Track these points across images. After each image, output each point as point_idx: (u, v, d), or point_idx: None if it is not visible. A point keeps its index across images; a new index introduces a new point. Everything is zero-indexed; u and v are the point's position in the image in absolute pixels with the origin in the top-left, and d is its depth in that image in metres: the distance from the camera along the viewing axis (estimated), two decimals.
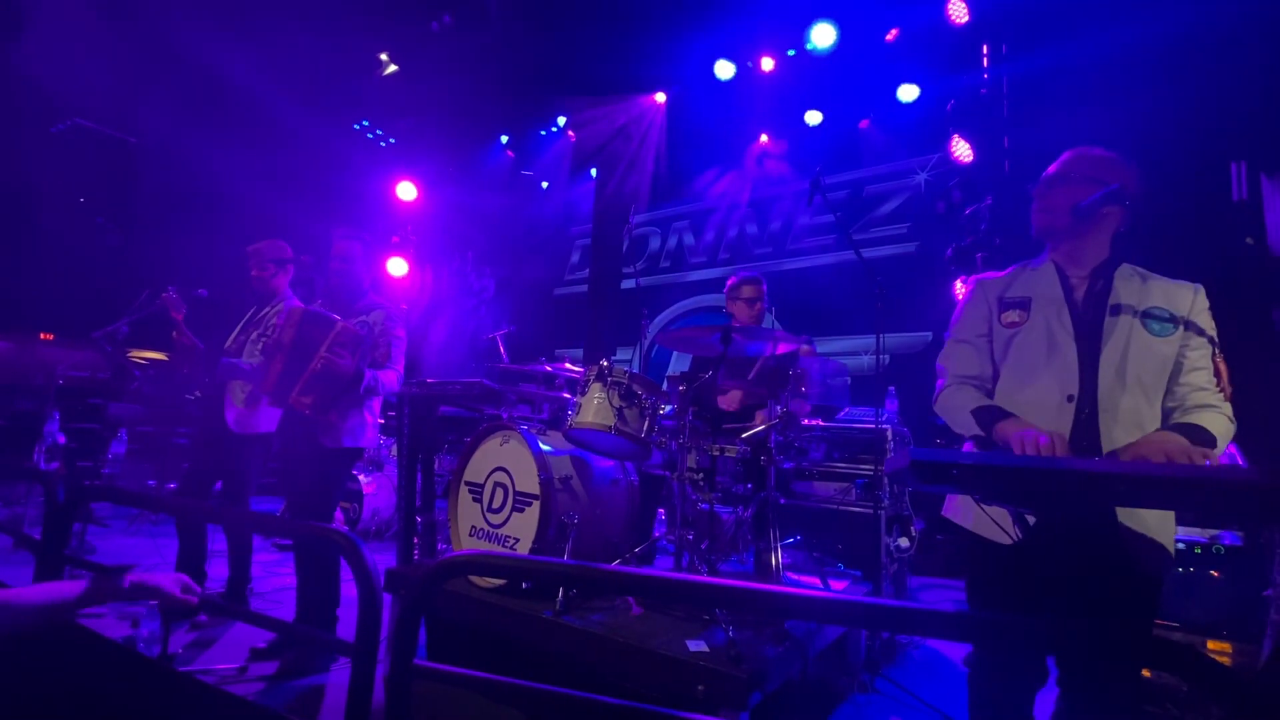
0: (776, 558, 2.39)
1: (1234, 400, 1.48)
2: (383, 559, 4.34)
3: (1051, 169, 1.63)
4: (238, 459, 3.14)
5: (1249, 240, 1.40)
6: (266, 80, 6.72)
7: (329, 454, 2.78)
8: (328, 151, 7.74)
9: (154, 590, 1.31)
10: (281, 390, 2.69)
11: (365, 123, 7.93)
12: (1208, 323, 1.49)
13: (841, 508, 3.34)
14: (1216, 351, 1.48)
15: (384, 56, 6.96)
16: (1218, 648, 2.37)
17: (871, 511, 3.23)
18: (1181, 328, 1.47)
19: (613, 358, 7.65)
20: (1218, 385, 1.46)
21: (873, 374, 2.95)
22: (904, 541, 3.35)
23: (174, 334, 3.10)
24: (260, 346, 3.12)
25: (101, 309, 5.73)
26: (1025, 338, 1.55)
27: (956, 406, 1.58)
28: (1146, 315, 1.47)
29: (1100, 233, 1.56)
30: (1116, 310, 1.49)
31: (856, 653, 2.95)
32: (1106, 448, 1.42)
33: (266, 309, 3.29)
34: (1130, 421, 1.44)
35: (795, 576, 3.02)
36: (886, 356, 2.97)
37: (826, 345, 5.84)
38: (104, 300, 6.27)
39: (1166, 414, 1.48)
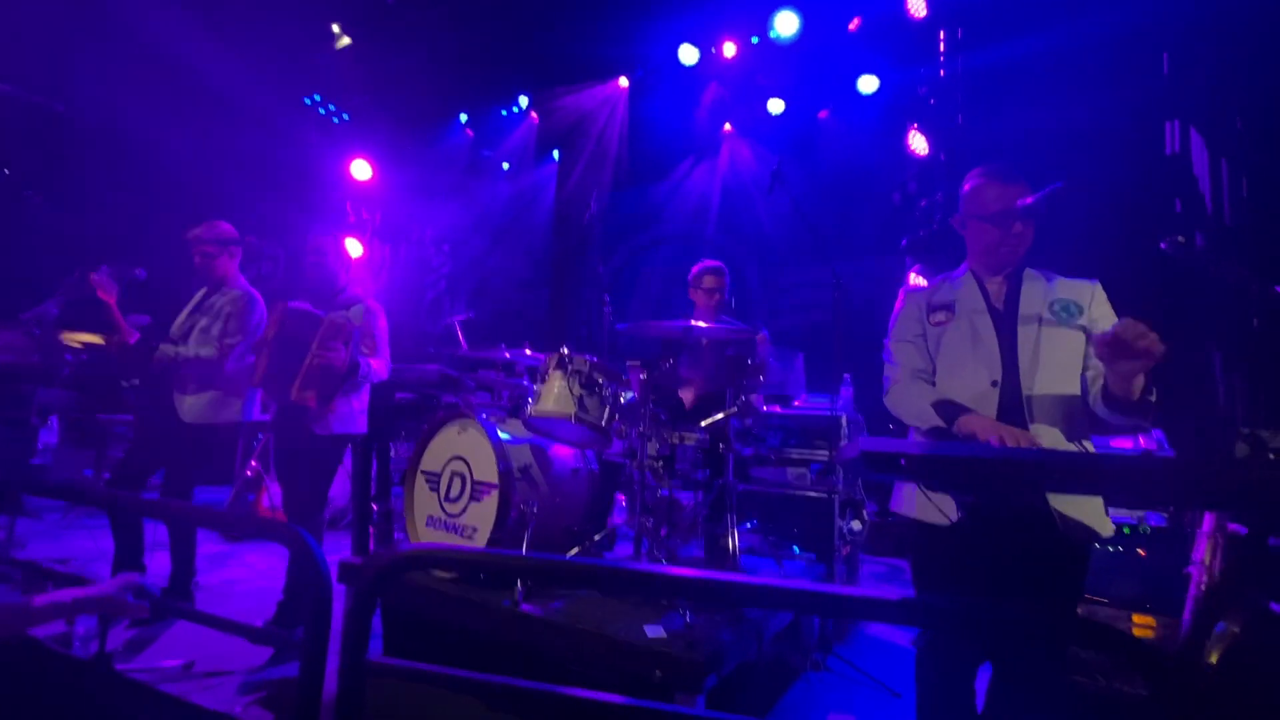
0: (734, 543, 2.44)
1: (1157, 383, 1.60)
2: (338, 547, 4.26)
3: (1005, 202, 1.68)
4: (185, 450, 3.03)
5: (1180, 239, 1.48)
6: (209, 49, 6.37)
7: (320, 441, 2.83)
8: (276, 126, 7.39)
9: (100, 603, 1.25)
10: (273, 384, 2.75)
11: (317, 97, 7.61)
12: (1108, 310, 1.67)
13: (797, 492, 3.42)
14: None
15: (336, 28, 6.68)
16: (1143, 621, 2.52)
17: (826, 496, 3.31)
18: (1086, 314, 1.65)
19: (573, 347, 7.60)
20: None
21: (831, 353, 3.01)
22: (856, 524, 3.45)
23: (113, 337, 2.96)
24: (214, 334, 3.03)
25: (30, 288, 5.39)
26: (952, 334, 1.72)
27: (913, 398, 1.71)
28: (1053, 306, 1.66)
29: (1022, 245, 1.73)
30: (1028, 308, 1.67)
31: (810, 633, 3.04)
32: (1031, 423, 1.57)
33: (215, 295, 3.16)
34: (1050, 399, 1.59)
35: (751, 559, 3.09)
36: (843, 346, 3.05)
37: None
38: (32, 278, 5.89)
39: (1090, 385, 1.60)
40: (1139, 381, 1.40)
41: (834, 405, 3.52)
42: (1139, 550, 2.60)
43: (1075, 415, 1.60)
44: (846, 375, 3.76)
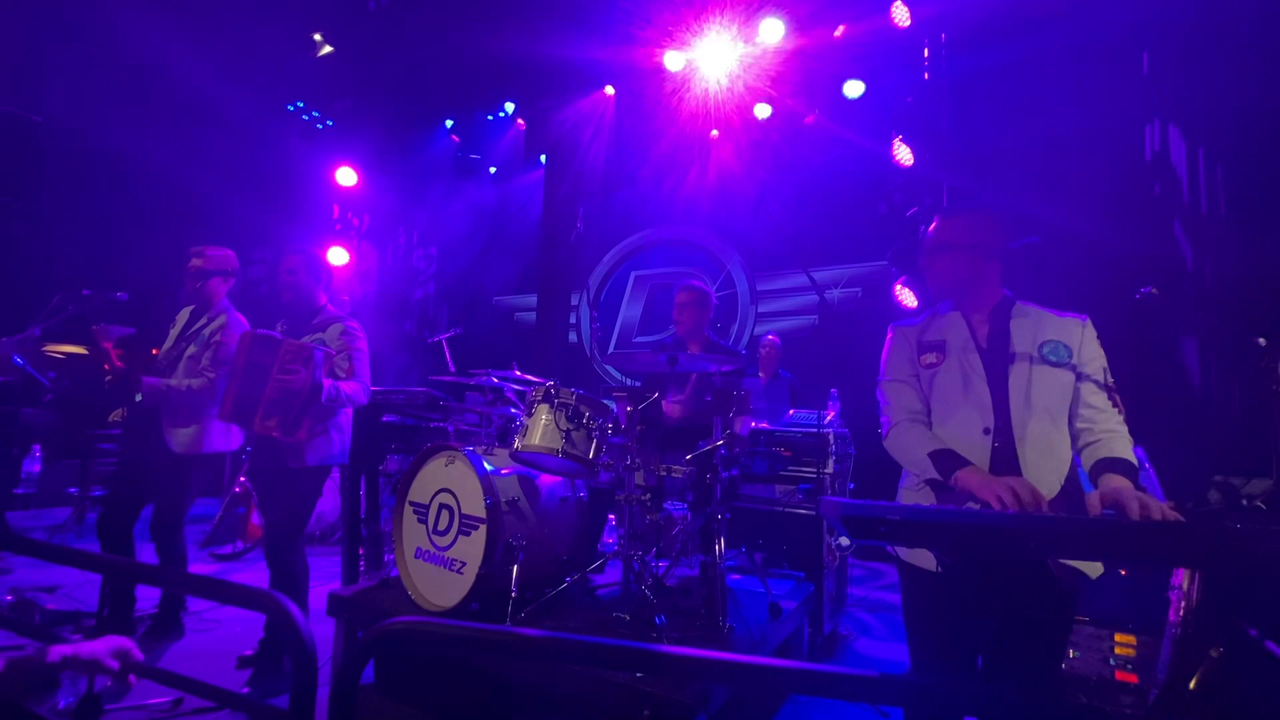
0: (720, 570, 2.45)
1: (1142, 398, 1.62)
2: (329, 565, 4.22)
3: (934, 237, 1.75)
4: (175, 480, 2.99)
5: (1153, 290, 1.49)
6: (189, 57, 6.28)
7: (297, 474, 2.78)
8: (258, 133, 7.32)
9: (87, 664, 1.23)
10: (240, 414, 2.71)
11: (300, 104, 7.52)
12: (1097, 350, 1.66)
13: (786, 510, 3.43)
14: (1107, 374, 1.65)
15: (318, 37, 6.59)
16: (1124, 640, 2.57)
17: (814, 514, 3.34)
18: (1075, 355, 1.63)
19: (561, 366, 7.59)
20: (1113, 404, 1.62)
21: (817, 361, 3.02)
22: (844, 540, 3.48)
23: (105, 366, 2.91)
24: (204, 365, 3.01)
25: (9, 303, 5.31)
26: (944, 376, 1.69)
27: (911, 445, 1.66)
28: (1043, 348, 1.64)
29: (990, 280, 1.73)
30: (1018, 347, 1.65)
31: (799, 651, 3.07)
32: (1025, 471, 1.55)
33: (202, 321, 3.11)
34: (1042, 445, 1.58)
35: (739, 580, 3.11)
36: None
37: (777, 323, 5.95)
38: (12, 291, 5.81)
39: (1078, 435, 1.62)
40: None
41: (821, 422, 3.55)
42: (1120, 570, 2.64)
43: (1065, 458, 1.60)
44: (834, 390, 3.78)
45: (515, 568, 2.35)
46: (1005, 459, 1.57)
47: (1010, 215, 1.74)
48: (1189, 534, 1.15)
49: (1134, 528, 1.24)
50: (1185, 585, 2.22)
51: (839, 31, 5.62)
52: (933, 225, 1.75)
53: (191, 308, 3.20)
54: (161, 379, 2.96)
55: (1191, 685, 2.14)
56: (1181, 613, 2.20)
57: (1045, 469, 1.56)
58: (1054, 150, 4.59)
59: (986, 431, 1.60)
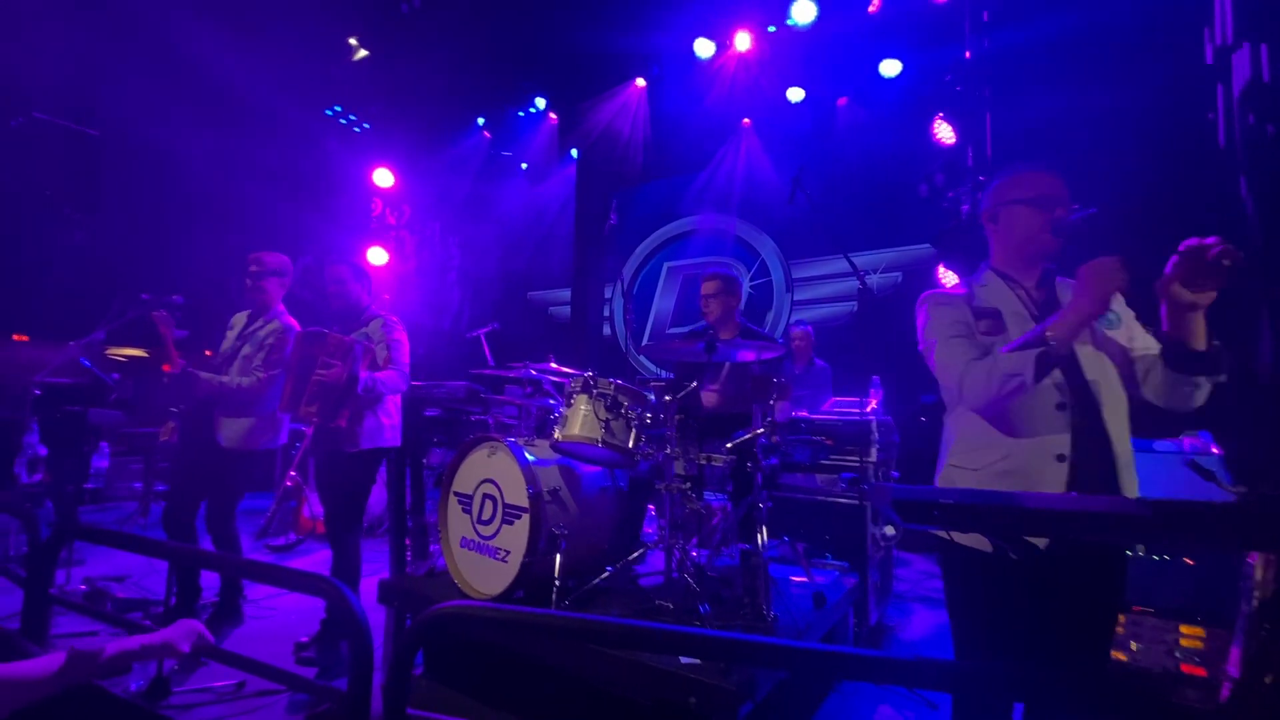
0: (763, 559, 2.43)
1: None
2: (376, 556, 4.33)
3: (1006, 190, 1.66)
4: (227, 474, 3.13)
5: (1227, 263, 1.39)
6: (234, 68, 6.49)
7: (351, 459, 2.98)
8: (301, 139, 7.54)
9: (162, 649, 1.30)
10: (292, 404, 2.93)
11: (338, 108, 7.70)
12: (1133, 316, 1.61)
13: (829, 499, 3.38)
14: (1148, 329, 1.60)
15: (353, 41, 6.73)
16: (1191, 632, 2.45)
17: (858, 503, 3.28)
18: (1121, 320, 1.58)
19: (598, 355, 7.63)
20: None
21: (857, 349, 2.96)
22: (889, 529, 3.41)
23: (164, 366, 3.06)
24: (256, 364, 3.16)
25: (73, 309, 5.59)
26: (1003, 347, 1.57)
27: (989, 366, 1.51)
28: None
29: (1044, 242, 1.64)
30: None
31: (845, 641, 3.03)
32: (1112, 439, 1.49)
33: (259, 323, 3.26)
34: (1121, 412, 1.52)
35: (782, 569, 3.08)
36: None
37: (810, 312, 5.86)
38: (75, 300, 6.12)
39: (1139, 376, 1.55)
40: (1200, 324, 1.35)
41: (863, 408, 3.48)
42: (1186, 559, 2.52)
43: (1129, 423, 1.54)
44: (875, 378, 3.70)
45: (558, 556, 2.37)
46: (1086, 431, 1.48)
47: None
48: (1261, 516, 1.09)
49: (1202, 510, 1.18)
50: (1259, 575, 2.10)
51: (873, 7, 5.48)
52: (1034, 174, 1.62)
53: (249, 311, 3.35)
54: (215, 376, 3.09)
55: (1268, 680, 2.03)
56: (1255, 603, 2.09)
57: (1124, 434, 1.51)
58: (1104, 125, 4.38)
59: (1061, 407, 1.50)
